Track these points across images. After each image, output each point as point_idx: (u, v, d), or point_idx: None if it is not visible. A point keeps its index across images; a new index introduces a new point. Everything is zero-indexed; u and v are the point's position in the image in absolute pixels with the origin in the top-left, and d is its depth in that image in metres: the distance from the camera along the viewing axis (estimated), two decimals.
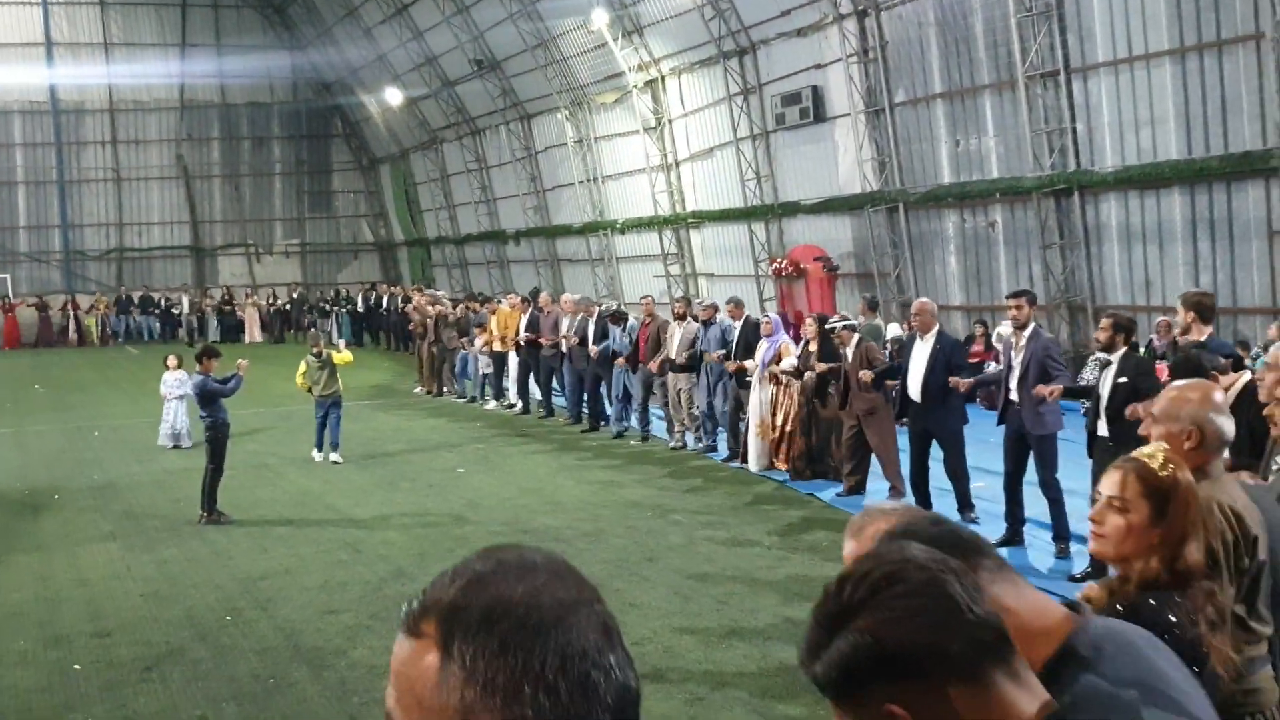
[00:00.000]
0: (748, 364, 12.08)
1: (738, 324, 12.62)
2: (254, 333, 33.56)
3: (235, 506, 10.63)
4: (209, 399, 10.56)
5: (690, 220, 22.77)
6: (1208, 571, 2.48)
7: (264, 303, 34.61)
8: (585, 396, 15.38)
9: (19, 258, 35.45)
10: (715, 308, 13.34)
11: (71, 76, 34.59)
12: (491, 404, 17.66)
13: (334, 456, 13.45)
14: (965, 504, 9.36)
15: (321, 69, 37.25)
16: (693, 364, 13.17)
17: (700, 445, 13.21)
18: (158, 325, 34.39)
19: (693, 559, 8.65)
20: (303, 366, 13.54)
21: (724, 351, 12.62)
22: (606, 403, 15.17)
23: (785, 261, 19.15)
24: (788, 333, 12.37)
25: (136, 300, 35.08)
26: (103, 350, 32.06)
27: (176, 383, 14.12)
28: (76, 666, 6.72)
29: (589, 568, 8.25)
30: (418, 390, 19.61)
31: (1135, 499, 2.53)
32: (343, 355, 13.76)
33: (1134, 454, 2.65)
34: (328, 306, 33.31)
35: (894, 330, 15.01)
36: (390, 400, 19.30)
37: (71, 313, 34.30)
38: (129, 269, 36.80)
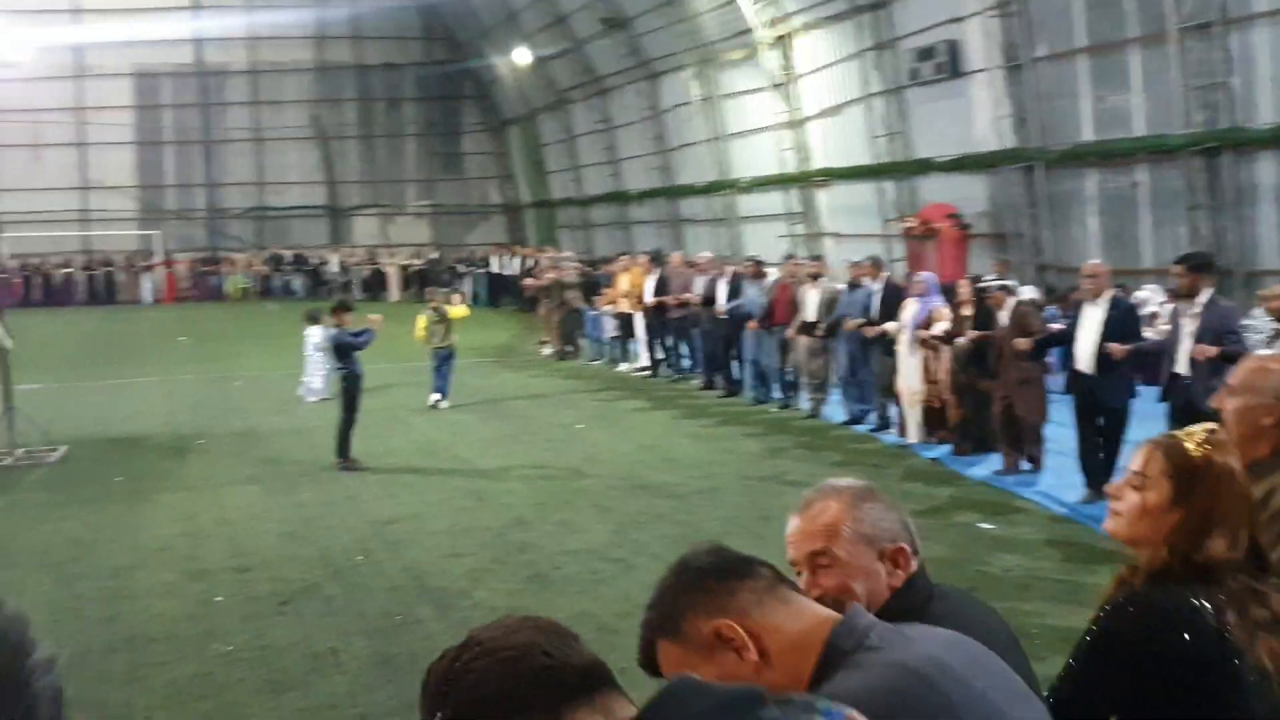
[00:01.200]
0: (889, 327, 11.36)
1: (877, 285, 11.96)
2: (394, 291, 34.48)
3: (367, 454, 11.00)
4: (343, 352, 11.00)
5: (817, 178, 22.43)
6: (1247, 567, 2.17)
7: (403, 262, 35.56)
8: (719, 361, 15.00)
9: (167, 215, 37.11)
10: (865, 268, 12.44)
11: (216, 34, 35.86)
12: (623, 366, 17.74)
13: (442, 404, 14.10)
14: (1106, 476, 8.70)
15: (454, 29, 37.79)
16: (830, 329, 12.50)
17: (847, 415, 12.53)
18: (306, 283, 35.69)
19: None
20: (422, 320, 14.32)
21: (863, 320, 11.84)
22: (739, 367, 14.74)
23: (916, 220, 18.72)
24: (941, 295, 11.27)
25: (290, 258, 36.52)
26: (244, 305, 33.38)
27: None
28: (218, 598, 7.07)
29: (703, 524, 8.36)
30: (546, 352, 19.86)
31: (1156, 477, 2.26)
32: (458, 310, 14.58)
33: (1174, 432, 2.38)
34: (463, 268, 34.05)
35: (1029, 293, 14.52)
36: (515, 358, 19.64)
37: (228, 270, 35.96)
38: (268, 227, 38.18)
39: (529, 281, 21.27)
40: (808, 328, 12.81)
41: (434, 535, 8.41)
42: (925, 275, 11.61)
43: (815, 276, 13.06)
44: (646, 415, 13.64)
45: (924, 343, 10.89)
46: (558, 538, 8.21)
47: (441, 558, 7.79)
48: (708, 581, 1.57)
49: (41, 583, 7.44)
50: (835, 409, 12.95)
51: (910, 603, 1.87)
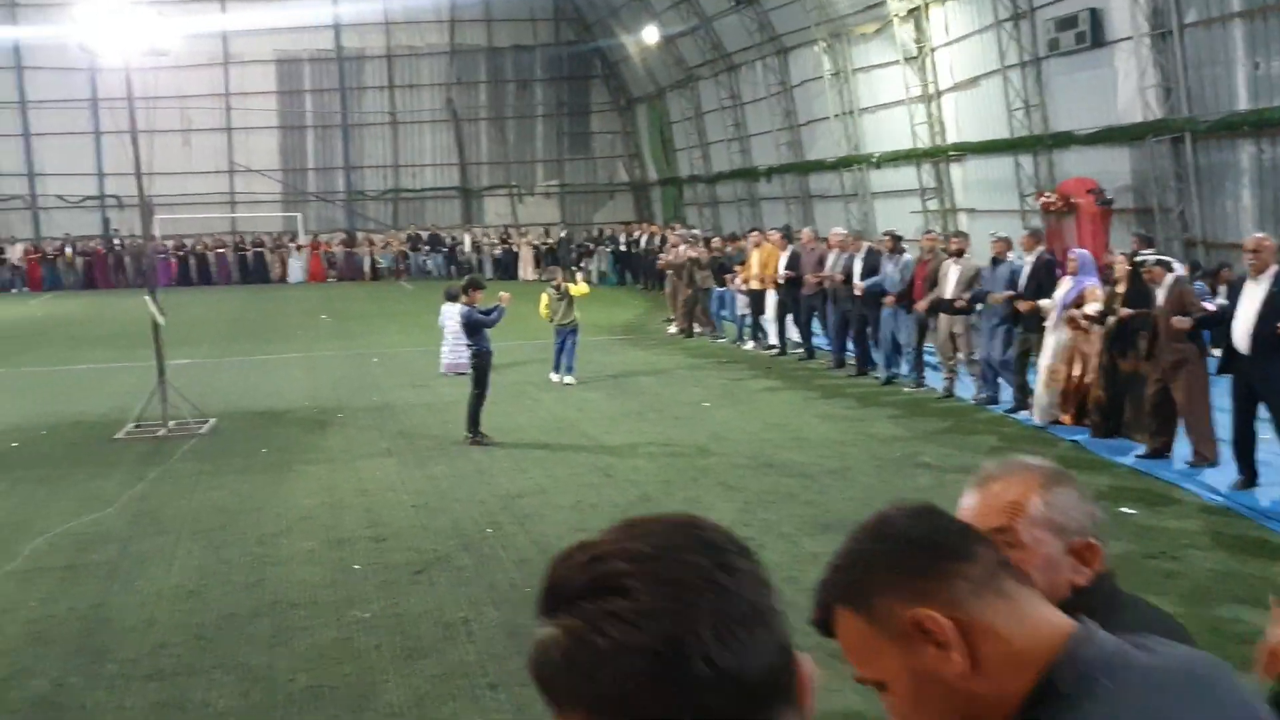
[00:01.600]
0: (1043, 303, 10.87)
1: (1030, 258, 11.43)
2: (527, 270, 34.95)
3: (497, 429, 11.21)
4: (474, 329, 11.22)
5: (951, 153, 21.85)
6: None
7: (534, 242, 36.02)
8: (851, 339, 14.72)
9: (308, 198, 38.43)
10: (1008, 243, 11.96)
11: (353, 19, 36.99)
12: (750, 345, 17.64)
13: (568, 379, 14.41)
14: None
15: (583, 9, 38.04)
16: (970, 306, 12.08)
17: (983, 395, 12.17)
18: (441, 262, 36.50)
19: (945, 504, 8.37)
20: (545, 299, 14.59)
21: (1012, 293, 11.38)
22: (873, 346, 14.42)
23: (1055, 195, 18.07)
24: (1096, 274, 10.79)
25: (426, 239, 37.49)
26: (382, 285, 34.34)
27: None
28: (356, 566, 7.32)
29: (833, 505, 8.26)
30: (672, 330, 19.89)
31: None
32: (579, 288, 14.79)
33: None
34: (591, 246, 34.38)
35: (1176, 269, 13.85)
36: (641, 336, 19.72)
37: (368, 251, 37.04)
38: (404, 209, 39.18)
39: (664, 259, 21.28)
40: (943, 305, 12.47)
41: (561, 510, 8.52)
42: (1080, 252, 11.01)
43: (959, 253, 12.43)
44: (775, 394, 13.55)
45: (1071, 322, 10.45)
46: None
47: (569, 532, 7.87)
48: (916, 557, 1.29)
49: (191, 549, 7.82)
50: (970, 388, 12.61)
51: (1092, 606, 1.65)
